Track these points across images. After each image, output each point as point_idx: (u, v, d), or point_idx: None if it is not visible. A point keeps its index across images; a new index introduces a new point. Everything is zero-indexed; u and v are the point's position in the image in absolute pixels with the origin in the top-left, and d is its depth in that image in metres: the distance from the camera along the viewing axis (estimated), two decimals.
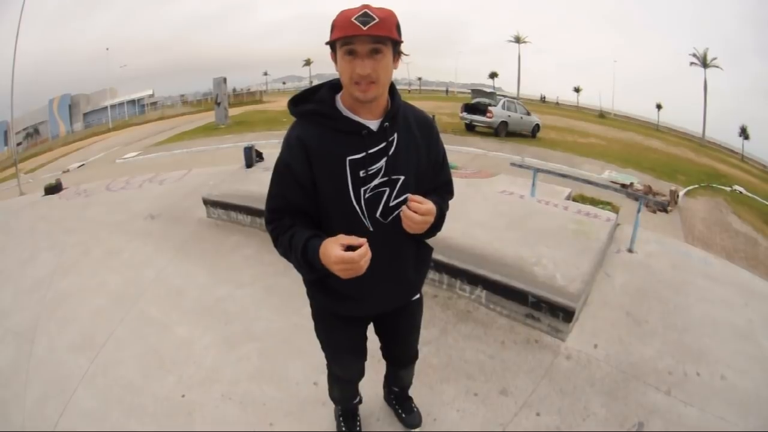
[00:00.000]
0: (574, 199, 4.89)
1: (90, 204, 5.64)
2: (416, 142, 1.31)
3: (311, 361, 2.41)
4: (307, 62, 61.96)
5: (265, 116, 22.90)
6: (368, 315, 1.56)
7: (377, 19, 1.07)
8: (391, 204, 1.28)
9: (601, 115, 38.70)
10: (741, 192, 14.44)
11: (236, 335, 2.76)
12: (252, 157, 5.25)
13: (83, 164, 15.28)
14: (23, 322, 3.07)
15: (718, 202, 11.84)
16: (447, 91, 54.05)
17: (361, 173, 1.23)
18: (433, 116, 1.55)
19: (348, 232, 1.19)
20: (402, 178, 1.28)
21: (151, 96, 42.19)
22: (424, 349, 2.49)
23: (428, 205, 1.23)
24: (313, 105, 1.24)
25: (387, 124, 1.24)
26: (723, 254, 7.03)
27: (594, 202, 6.41)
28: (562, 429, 2.06)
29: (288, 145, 1.25)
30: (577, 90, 52.61)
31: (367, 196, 1.25)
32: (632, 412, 2.14)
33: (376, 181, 1.25)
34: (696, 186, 13.16)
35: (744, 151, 34.20)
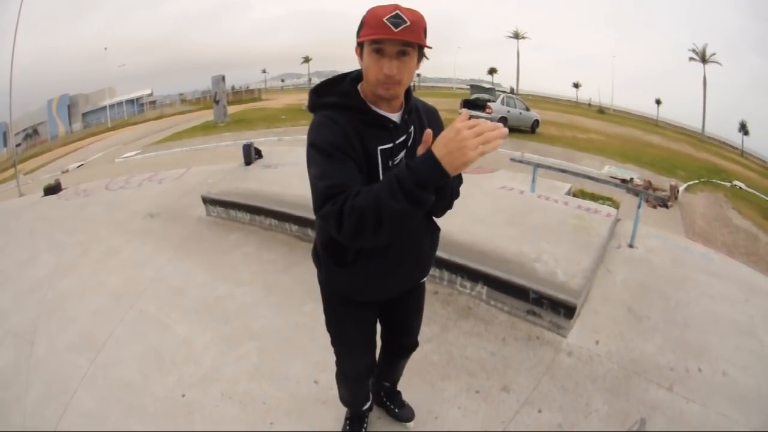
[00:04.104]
0: (575, 195, 4.87)
1: (89, 204, 5.63)
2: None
3: (311, 360, 2.40)
4: (306, 60, 61.73)
5: (264, 114, 22.84)
6: (388, 298, 1.57)
7: (408, 23, 1.08)
8: None
9: (600, 111, 38.59)
10: (741, 187, 14.42)
11: (236, 334, 2.75)
12: (251, 154, 5.24)
13: (82, 164, 15.25)
14: (23, 323, 3.06)
15: (718, 197, 11.83)
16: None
17: (390, 163, 1.27)
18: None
19: None
20: None
21: (150, 95, 42.01)
22: (425, 346, 2.49)
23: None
24: (339, 97, 1.25)
25: (407, 116, 1.29)
26: (723, 250, 7.03)
27: (594, 197, 6.39)
28: (564, 426, 2.06)
29: (325, 126, 1.20)
30: (576, 86, 52.37)
31: None
32: (634, 408, 2.13)
33: None
34: (696, 181, 13.16)
35: (744, 146, 34.12)
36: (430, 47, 1.17)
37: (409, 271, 1.50)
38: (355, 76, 1.29)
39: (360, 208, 1.05)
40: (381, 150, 1.25)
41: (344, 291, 1.50)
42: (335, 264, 1.40)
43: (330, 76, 1.35)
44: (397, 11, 1.08)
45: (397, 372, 2.00)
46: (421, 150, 1.10)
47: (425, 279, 1.65)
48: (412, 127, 1.32)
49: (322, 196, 1.13)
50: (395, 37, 1.08)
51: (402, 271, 1.46)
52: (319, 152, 1.18)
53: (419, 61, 1.21)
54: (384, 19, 1.08)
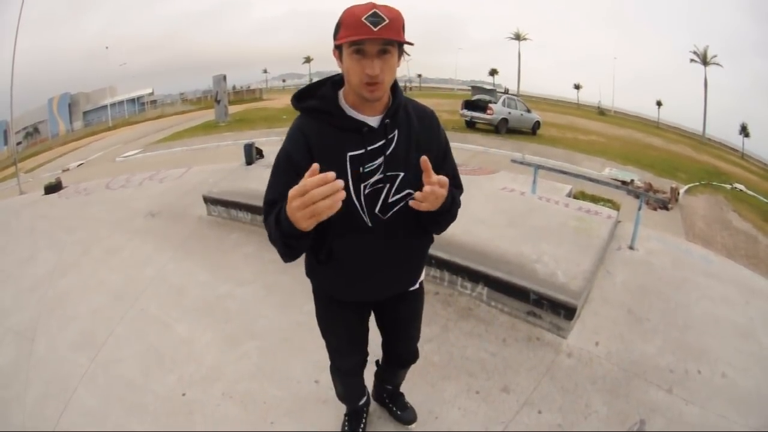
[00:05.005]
0: (575, 197, 4.87)
1: (90, 202, 5.63)
2: (417, 136, 1.29)
3: (312, 359, 2.41)
4: (307, 59, 61.74)
5: (265, 114, 22.85)
6: (367, 300, 1.56)
7: (387, 20, 1.06)
8: (390, 200, 1.27)
9: (601, 113, 38.61)
10: (741, 190, 14.42)
11: (237, 333, 2.76)
12: (252, 154, 5.25)
13: (83, 163, 15.25)
14: (23, 322, 3.06)
15: (719, 199, 11.83)
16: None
17: (361, 169, 1.22)
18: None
19: (347, 228, 1.24)
20: (401, 174, 1.26)
21: (151, 94, 42.04)
22: (425, 346, 2.49)
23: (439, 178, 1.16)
24: (316, 101, 1.24)
25: (387, 120, 1.23)
26: (723, 252, 7.03)
27: (595, 199, 6.40)
28: (563, 427, 2.06)
29: (290, 136, 1.25)
30: (577, 87, 52.41)
31: (366, 191, 1.24)
32: (634, 410, 2.14)
33: (375, 178, 1.24)
34: (696, 183, 13.15)
35: (744, 148, 34.14)
36: (411, 44, 1.15)
37: (388, 276, 1.44)
38: (337, 80, 1.26)
39: (268, 229, 1.18)
40: (350, 156, 1.20)
41: (327, 289, 1.50)
42: (315, 260, 1.39)
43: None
44: (375, 9, 1.06)
45: (398, 378, 1.99)
46: (424, 178, 1.12)
47: (420, 287, 1.61)
48: (396, 132, 1.25)
49: (263, 205, 1.25)
50: (375, 36, 1.05)
51: (381, 276, 1.41)
52: (276, 161, 1.27)
53: (400, 57, 1.18)
54: (362, 19, 1.05)
